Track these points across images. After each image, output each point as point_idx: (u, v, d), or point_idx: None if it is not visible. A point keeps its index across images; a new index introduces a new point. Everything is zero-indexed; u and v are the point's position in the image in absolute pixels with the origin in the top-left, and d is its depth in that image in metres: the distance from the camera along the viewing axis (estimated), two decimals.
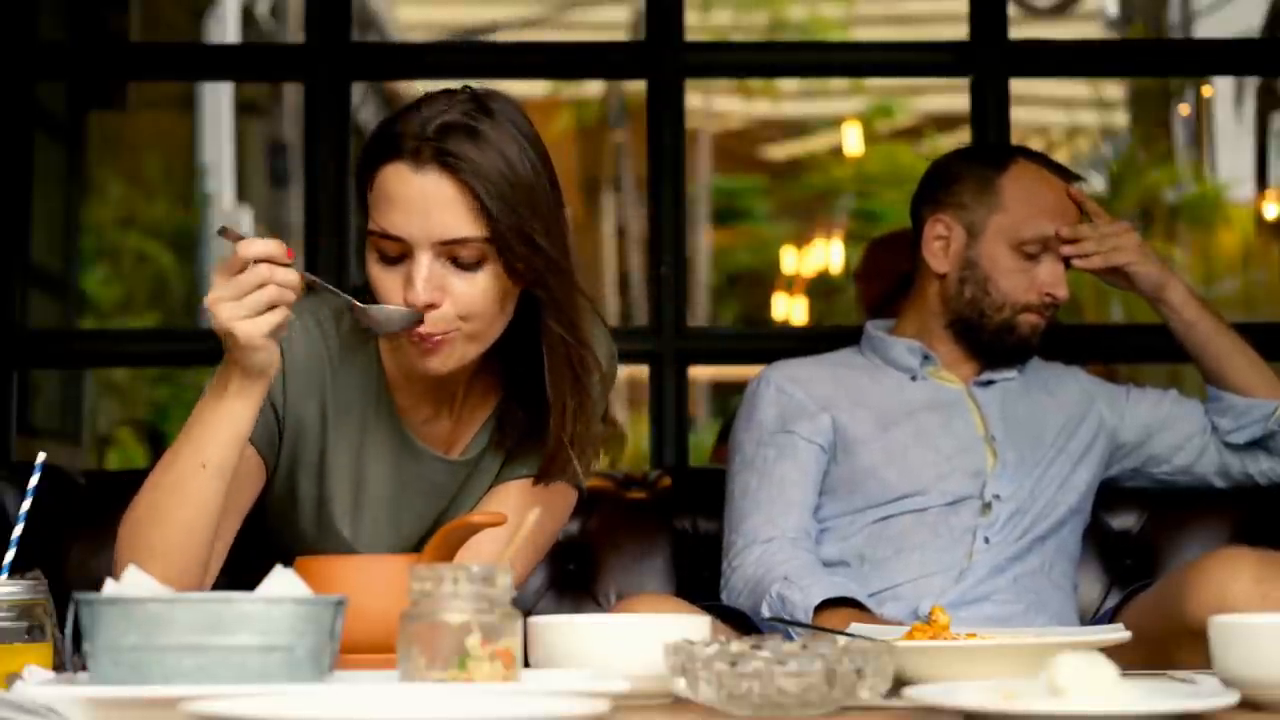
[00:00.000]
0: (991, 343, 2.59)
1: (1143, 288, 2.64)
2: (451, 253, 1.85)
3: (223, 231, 1.78)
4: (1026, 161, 2.63)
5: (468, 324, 1.88)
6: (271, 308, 1.74)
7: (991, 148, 2.81)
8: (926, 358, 2.61)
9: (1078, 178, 2.66)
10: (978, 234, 2.59)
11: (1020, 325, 2.58)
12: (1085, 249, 2.59)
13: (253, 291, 1.72)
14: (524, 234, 1.85)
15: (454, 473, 2.03)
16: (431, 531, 2.01)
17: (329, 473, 2.00)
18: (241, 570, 1.92)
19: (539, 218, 1.87)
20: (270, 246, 1.73)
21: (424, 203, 1.84)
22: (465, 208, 1.84)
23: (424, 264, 1.85)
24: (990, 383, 2.62)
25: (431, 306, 1.85)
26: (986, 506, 2.50)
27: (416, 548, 2.00)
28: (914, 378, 2.61)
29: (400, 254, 1.86)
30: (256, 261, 1.72)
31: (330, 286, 1.87)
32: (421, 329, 1.86)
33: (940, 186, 2.66)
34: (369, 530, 2.01)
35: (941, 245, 2.61)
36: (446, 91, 1.91)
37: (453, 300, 1.86)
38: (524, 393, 2.00)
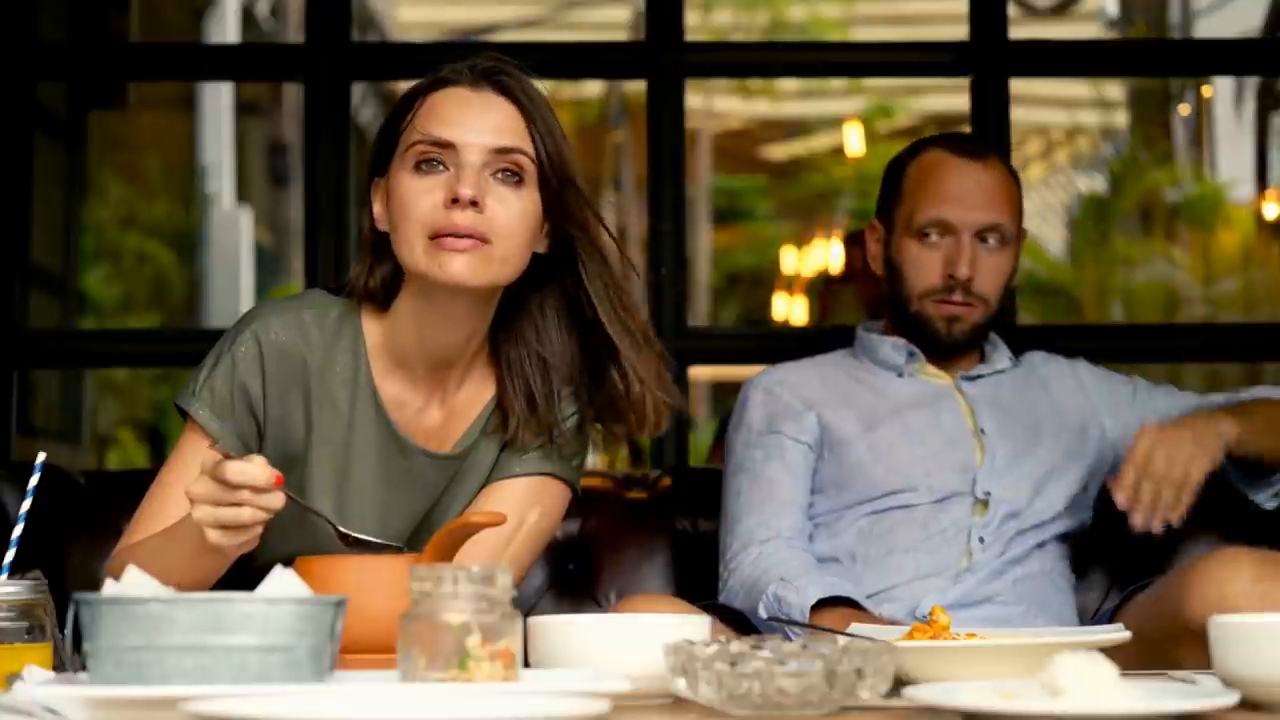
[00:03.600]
0: (918, 339, 2.59)
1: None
2: (498, 164, 1.92)
3: (213, 448, 1.79)
4: (934, 150, 2.61)
5: (500, 242, 1.90)
6: (240, 526, 1.71)
7: (915, 142, 2.74)
8: (912, 354, 2.61)
9: (988, 152, 2.60)
10: (891, 230, 2.61)
11: (932, 315, 2.56)
12: (1145, 501, 2.31)
13: (229, 508, 1.70)
14: (563, 163, 1.95)
15: (443, 468, 2.03)
16: (420, 526, 2.02)
17: (313, 471, 2.00)
18: (240, 570, 1.92)
19: (571, 157, 1.96)
20: (257, 476, 1.69)
21: (481, 113, 1.93)
22: (518, 124, 1.94)
23: (473, 164, 1.90)
24: (979, 376, 2.61)
25: (475, 204, 1.88)
26: (981, 504, 2.49)
27: (405, 542, 2.01)
28: (900, 374, 2.61)
29: (442, 166, 1.91)
30: (239, 487, 1.69)
31: (315, 510, 1.84)
32: (460, 224, 1.88)
33: (880, 190, 2.68)
34: (355, 527, 2.00)
35: (876, 248, 2.65)
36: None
37: (491, 212, 1.90)
38: (524, 386, 2.01)
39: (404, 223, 1.91)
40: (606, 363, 2.00)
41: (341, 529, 1.82)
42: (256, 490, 1.69)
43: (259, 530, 1.73)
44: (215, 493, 1.70)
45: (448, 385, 2.02)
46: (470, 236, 1.88)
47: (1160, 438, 2.32)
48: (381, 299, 2.00)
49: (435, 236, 1.89)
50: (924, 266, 2.55)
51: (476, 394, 2.04)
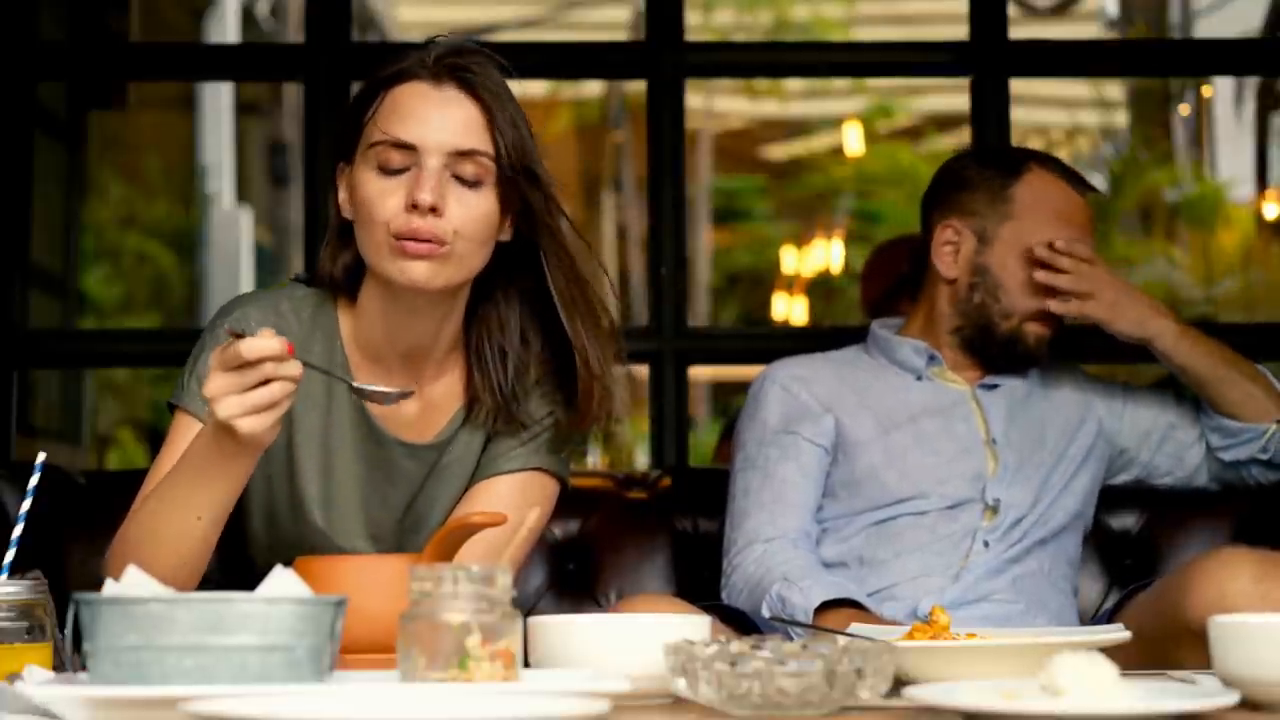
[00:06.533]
0: (998, 352, 2.58)
1: (1125, 340, 2.59)
2: (458, 166, 1.91)
3: (227, 330, 1.77)
4: (1040, 169, 2.61)
5: (459, 243, 1.90)
6: (273, 404, 1.71)
7: (1006, 153, 2.74)
8: (932, 358, 2.60)
9: (1092, 189, 2.64)
10: (989, 241, 2.58)
11: (1027, 335, 2.57)
12: (1059, 281, 2.53)
13: (254, 389, 1.69)
14: (525, 159, 1.94)
15: (421, 458, 2.03)
16: (405, 518, 2.03)
17: (299, 464, 2.00)
18: (238, 570, 1.92)
19: (534, 150, 1.95)
20: (272, 346, 1.68)
21: (442, 112, 1.91)
22: (478, 123, 1.92)
23: (433, 168, 1.89)
24: (995, 386, 2.61)
25: (434, 211, 1.88)
26: (991, 510, 2.49)
27: (396, 535, 2.02)
28: (919, 378, 2.60)
29: (403, 167, 1.90)
30: (259, 362, 1.69)
31: (326, 370, 1.88)
32: (420, 229, 1.88)
33: (952, 191, 2.64)
34: (341, 518, 2.01)
35: (951, 250, 2.60)
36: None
37: (450, 215, 1.90)
38: (497, 377, 2.01)
39: (368, 222, 1.92)
40: (569, 354, 1.99)
41: (355, 384, 1.85)
42: (277, 361, 1.69)
43: (287, 406, 1.72)
44: (235, 379, 1.69)
45: (423, 378, 2.03)
46: (430, 241, 1.89)
47: (1103, 271, 2.55)
48: (345, 288, 2.01)
49: (398, 238, 1.89)
50: (1033, 288, 2.55)
51: (453, 385, 2.05)
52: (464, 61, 1.94)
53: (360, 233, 1.95)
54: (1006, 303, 2.56)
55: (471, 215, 1.91)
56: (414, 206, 1.88)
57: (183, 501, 1.80)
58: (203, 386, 1.70)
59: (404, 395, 1.84)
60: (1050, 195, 2.58)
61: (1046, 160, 2.65)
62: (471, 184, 1.91)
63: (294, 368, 1.70)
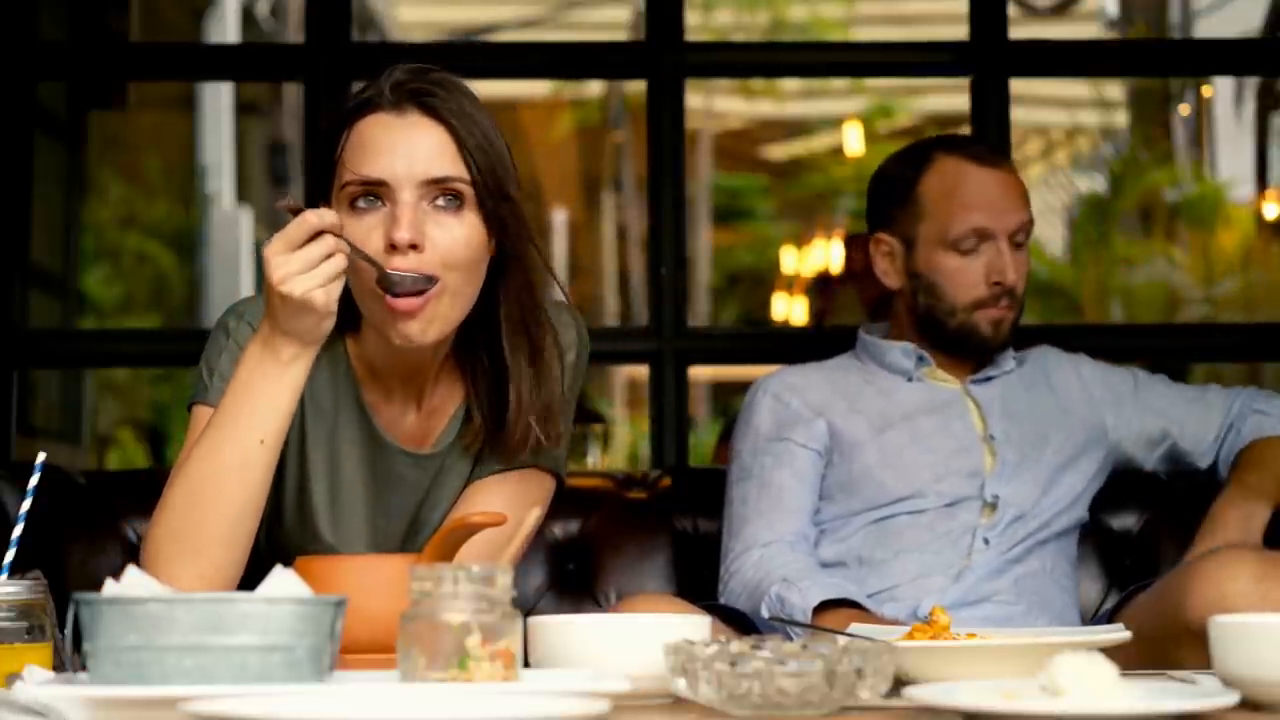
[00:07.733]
0: (957, 346, 2.58)
1: None
2: (433, 194, 1.86)
3: (283, 204, 1.77)
4: (944, 156, 2.58)
5: (449, 277, 1.86)
6: (338, 275, 1.75)
7: (912, 150, 2.69)
8: (921, 359, 2.61)
9: (1002, 158, 2.60)
10: (913, 244, 2.59)
11: (979, 324, 2.56)
12: None
13: (322, 262, 1.74)
14: (498, 181, 1.89)
15: (423, 467, 2.02)
16: (411, 526, 2.02)
17: (310, 469, 2.00)
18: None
19: (508, 170, 1.91)
20: (333, 216, 1.75)
21: (408, 143, 1.86)
22: (448, 149, 1.87)
23: (407, 202, 1.85)
24: (988, 379, 2.61)
25: (414, 247, 1.84)
26: (990, 507, 2.49)
27: (400, 543, 2.02)
28: (910, 379, 2.60)
29: (378, 203, 1.86)
30: (321, 233, 1.73)
31: (362, 251, 1.84)
32: (402, 267, 1.84)
33: (875, 203, 2.66)
34: (348, 526, 2.00)
35: (888, 262, 2.62)
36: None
37: (433, 246, 1.85)
38: (487, 391, 1.99)
39: (352, 271, 1.86)
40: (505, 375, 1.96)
41: (386, 269, 1.83)
42: (336, 233, 1.74)
43: (344, 280, 1.77)
44: (301, 257, 1.73)
45: (423, 390, 2.02)
46: (417, 291, 1.84)
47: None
48: (344, 322, 1.95)
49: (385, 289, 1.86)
50: (967, 278, 2.53)
51: (450, 393, 2.03)
52: (425, 85, 1.88)
53: (349, 277, 1.88)
54: (948, 300, 2.56)
55: (456, 242, 1.86)
56: (393, 246, 1.84)
57: (243, 426, 1.80)
58: (267, 272, 1.73)
59: (429, 281, 1.84)
60: (955, 181, 2.55)
61: (951, 144, 2.62)
62: (453, 209, 1.87)
63: (344, 242, 1.76)
